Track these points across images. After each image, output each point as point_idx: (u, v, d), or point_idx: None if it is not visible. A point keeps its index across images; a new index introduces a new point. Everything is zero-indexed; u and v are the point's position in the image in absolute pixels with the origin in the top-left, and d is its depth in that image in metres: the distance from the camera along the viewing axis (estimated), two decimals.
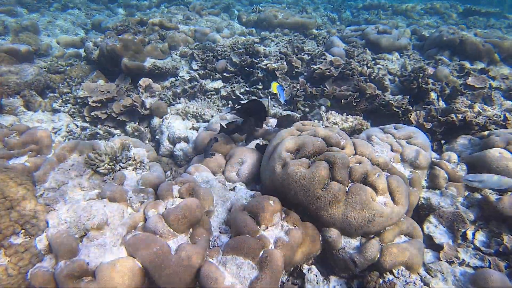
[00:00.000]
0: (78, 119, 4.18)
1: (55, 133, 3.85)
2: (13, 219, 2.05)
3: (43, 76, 4.26)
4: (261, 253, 2.06)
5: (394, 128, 3.05)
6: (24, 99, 3.98)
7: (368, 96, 3.97)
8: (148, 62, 4.82)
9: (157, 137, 3.81)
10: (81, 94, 4.18)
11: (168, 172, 3.40)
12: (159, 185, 2.64)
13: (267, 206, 2.24)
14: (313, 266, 2.35)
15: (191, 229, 2.19)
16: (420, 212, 2.70)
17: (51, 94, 4.28)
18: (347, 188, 2.32)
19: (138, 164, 2.84)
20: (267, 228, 2.25)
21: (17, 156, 3.01)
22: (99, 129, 3.99)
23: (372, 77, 4.35)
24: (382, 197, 2.34)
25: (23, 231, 2.05)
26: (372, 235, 2.34)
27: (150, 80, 4.14)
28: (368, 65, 4.55)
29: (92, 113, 4.04)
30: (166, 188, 2.37)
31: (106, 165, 2.65)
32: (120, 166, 2.73)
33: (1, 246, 1.95)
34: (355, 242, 2.34)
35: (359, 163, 2.47)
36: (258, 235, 2.18)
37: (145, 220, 2.28)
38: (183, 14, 6.83)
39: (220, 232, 2.40)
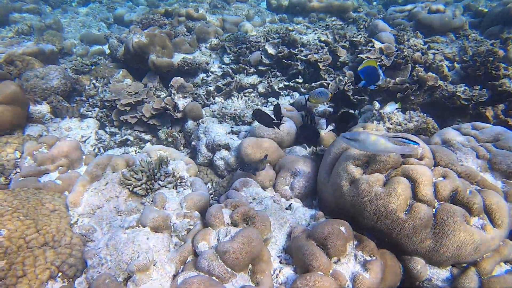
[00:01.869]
0: (107, 124, 3.90)
1: (84, 141, 3.58)
2: (49, 260, 1.77)
3: (69, 78, 3.99)
4: None
5: (473, 128, 2.57)
6: (51, 105, 3.73)
7: (427, 87, 3.46)
8: (177, 58, 4.47)
9: (193, 143, 3.48)
10: (108, 97, 3.88)
11: (209, 185, 3.07)
12: (205, 207, 2.31)
13: (339, 234, 1.86)
14: None
15: (250, 265, 1.85)
16: None
17: (78, 98, 4.02)
18: (434, 210, 1.90)
19: (179, 181, 2.51)
20: (339, 260, 1.88)
21: (48, 172, 2.76)
22: (129, 134, 3.70)
23: (427, 64, 3.82)
24: (478, 218, 1.91)
25: (60, 274, 1.76)
26: (466, 264, 1.93)
27: (182, 79, 3.79)
28: (423, 50, 4.01)
29: (121, 118, 3.74)
30: (216, 214, 2.03)
31: (143, 185, 2.33)
32: (159, 184, 2.41)
33: None
34: (444, 272, 1.93)
35: (444, 177, 2.03)
36: (331, 271, 1.81)
37: (195, 253, 1.95)
38: (209, 2, 6.39)
39: (280, 262, 2.05)
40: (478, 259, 1.89)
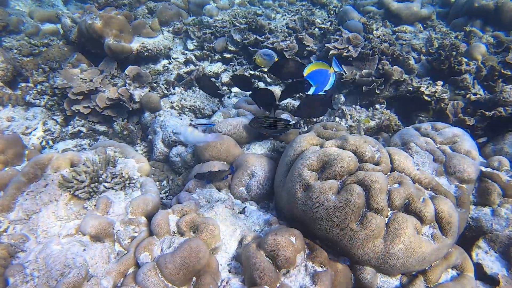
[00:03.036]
0: (58, 114, 3.62)
1: (29, 133, 3.31)
2: None
3: (11, 62, 3.64)
4: None
5: (433, 129, 2.53)
6: None
7: (393, 81, 3.41)
8: (136, 42, 4.18)
9: (149, 137, 3.29)
10: (59, 84, 3.59)
11: (164, 182, 2.92)
12: (153, 212, 2.17)
13: (289, 245, 1.78)
14: None
15: (194, 278, 1.74)
16: (466, 234, 2.26)
17: (23, 84, 3.69)
18: (386, 219, 1.85)
19: (127, 182, 2.34)
20: (288, 272, 1.81)
21: None
22: (82, 126, 3.45)
23: (394, 56, 3.75)
24: (429, 227, 1.88)
25: None
26: (415, 272, 1.91)
27: (139, 68, 3.54)
28: (391, 41, 3.94)
29: (73, 108, 3.48)
30: (161, 223, 1.90)
31: (86, 188, 2.16)
32: (104, 186, 2.24)
33: None
34: (394, 281, 1.91)
35: (399, 184, 1.98)
36: (278, 284, 1.74)
37: (137, 264, 1.83)
38: None
39: (229, 271, 1.96)
40: (426, 268, 1.88)
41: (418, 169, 2.10)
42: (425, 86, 3.22)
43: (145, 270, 1.64)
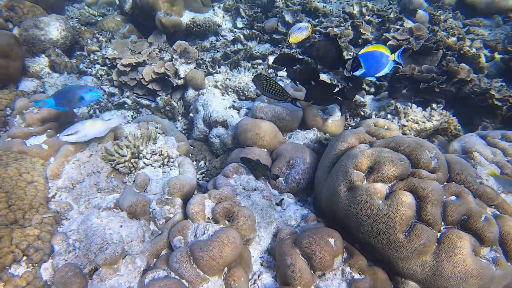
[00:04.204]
0: (106, 83, 3.70)
1: None
2: (14, 242, 1.66)
3: (70, 31, 3.74)
4: None
5: (503, 138, 2.27)
6: (49, 59, 3.53)
7: (456, 80, 3.10)
8: (187, 17, 4.13)
9: (190, 114, 3.27)
10: (110, 55, 3.65)
11: (202, 163, 2.90)
12: (189, 194, 2.16)
13: (327, 247, 1.69)
14: None
15: (226, 268, 1.71)
16: None
17: (79, 53, 3.79)
18: (439, 235, 1.69)
19: (166, 160, 2.34)
20: (324, 275, 1.72)
21: (35, 135, 2.62)
22: (127, 97, 3.50)
23: (462, 52, 3.40)
24: (490, 249, 1.69)
25: (25, 258, 1.66)
26: None
27: (187, 43, 3.49)
28: (459, 35, 3.57)
29: (121, 79, 3.53)
30: (197, 207, 1.87)
31: (127, 163, 2.17)
32: (144, 163, 2.25)
33: None
34: None
35: (457, 196, 1.79)
36: (312, 286, 1.66)
37: (171, 246, 1.82)
38: None
39: (261, 265, 1.92)
40: None
41: (481, 183, 1.89)
42: (497, 88, 2.89)
43: (178, 256, 1.62)
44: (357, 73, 2.25)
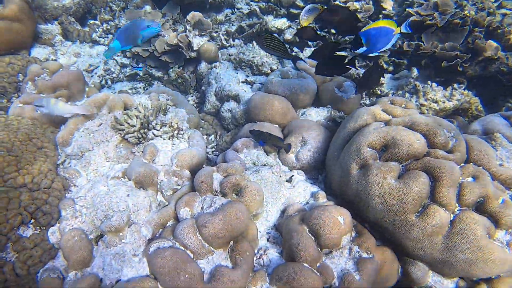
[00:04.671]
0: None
1: (92, 71, 3.38)
2: (23, 205, 1.67)
3: None
4: None
5: None
6: (62, 26, 3.48)
7: (482, 58, 2.93)
8: None
9: (202, 88, 3.21)
10: (123, 24, 3.58)
11: (212, 137, 2.86)
12: (198, 166, 2.13)
13: (335, 225, 1.64)
14: None
15: (232, 242, 1.69)
16: None
17: (92, 21, 3.74)
18: (452, 216, 1.62)
19: (176, 132, 2.31)
20: (331, 252, 1.69)
21: None
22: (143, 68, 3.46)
23: (491, 28, 3.19)
24: (505, 233, 1.63)
25: (33, 220, 1.68)
26: (477, 279, 1.70)
27: (201, 15, 3.40)
28: (490, 9, 3.35)
29: (133, 50, 3.48)
30: (205, 180, 1.84)
31: (136, 133, 2.15)
32: (153, 134, 2.22)
33: (7, 239, 1.60)
34: (448, 283, 1.73)
35: (474, 178, 1.72)
36: (319, 263, 1.63)
37: (177, 217, 1.81)
38: None
39: (268, 240, 1.90)
40: (493, 277, 1.66)
41: (500, 165, 1.80)
42: None
43: (184, 227, 1.61)
44: (359, 51, 2.13)
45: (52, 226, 1.70)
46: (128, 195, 1.79)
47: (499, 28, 3.11)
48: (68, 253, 1.53)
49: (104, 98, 2.34)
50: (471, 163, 1.79)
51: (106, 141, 2.15)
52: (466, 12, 3.15)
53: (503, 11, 3.49)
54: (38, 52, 3.19)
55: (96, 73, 3.38)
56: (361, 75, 3.05)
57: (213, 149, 2.78)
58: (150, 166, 2.01)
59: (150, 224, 1.75)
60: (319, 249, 1.65)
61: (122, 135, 2.16)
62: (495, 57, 2.81)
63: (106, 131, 2.18)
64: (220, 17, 4.00)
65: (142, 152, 2.13)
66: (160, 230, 1.77)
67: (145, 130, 2.19)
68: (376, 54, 2.15)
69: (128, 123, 2.17)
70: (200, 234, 1.60)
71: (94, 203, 1.72)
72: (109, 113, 2.31)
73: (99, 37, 3.65)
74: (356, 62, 2.31)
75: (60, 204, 1.74)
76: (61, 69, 2.78)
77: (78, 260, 1.52)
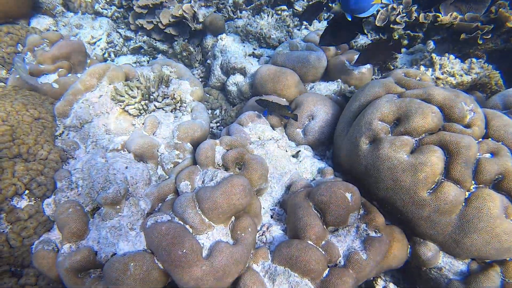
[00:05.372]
0: (123, 27, 3.54)
1: (94, 43, 3.28)
2: (17, 175, 1.62)
3: None
4: (325, 273, 1.47)
5: None
6: None
7: (505, 30, 2.74)
8: None
9: (208, 61, 3.09)
10: None
11: (217, 111, 2.77)
12: (200, 139, 2.05)
13: (343, 201, 1.56)
14: (391, 285, 1.74)
15: (233, 217, 1.62)
16: None
17: None
18: (467, 194, 1.52)
19: (178, 104, 2.22)
20: (337, 230, 1.61)
21: (47, 73, 2.55)
22: (144, 42, 3.35)
23: None
24: None
25: (27, 191, 1.62)
26: (491, 260, 1.61)
27: None
28: None
29: (137, 22, 3.36)
30: (206, 152, 1.76)
31: (137, 104, 2.07)
32: (155, 106, 2.14)
33: (0, 210, 1.55)
34: (460, 265, 1.63)
35: (493, 154, 1.60)
36: (324, 241, 1.56)
37: (177, 191, 1.75)
38: None
39: (271, 217, 1.82)
40: (508, 259, 1.56)
41: None
42: None
43: (183, 200, 1.54)
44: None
45: (48, 197, 1.65)
46: (127, 167, 1.72)
47: None
48: (62, 225, 1.48)
49: (105, 68, 2.24)
50: (490, 138, 1.67)
51: (106, 113, 2.07)
52: None
53: None
54: (38, 22, 3.09)
55: (98, 46, 3.28)
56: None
57: (218, 124, 2.70)
58: (151, 138, 1.94)
59: (149, 197, 1.69)
60: (324, 227, 1.57)
61: (122, 107, 2.08)
62: None
63: (106, 102, 2.10)
64: None
65: (143, 124, 2.05)
66: (160, 204, 1.71)
67: (147, 101, 2.10)
68: (361, 16, 2.00)
69: (129, 94, 2.09)
70: (200, 209, 1.53)
71: (91, 175, 1.66)
72: (110, 84, 2.22)
73: (102, 8, 3.53)
74: (363, 28, 2.15)
75: (56, 175, 1.69)
76: (61, 40, 2.70)
77: (72, 232, 1.47)
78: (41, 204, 1.62)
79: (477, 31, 2.71)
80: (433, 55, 2.47)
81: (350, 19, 1.99)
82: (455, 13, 2.88)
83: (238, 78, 2.75)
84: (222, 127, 2.65)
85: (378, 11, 3.19)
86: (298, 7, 3.48)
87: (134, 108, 2.07)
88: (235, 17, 3.40)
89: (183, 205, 1.53)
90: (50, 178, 1.68)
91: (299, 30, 3.33)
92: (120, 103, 2.08)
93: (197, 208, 1.53)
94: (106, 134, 2.02)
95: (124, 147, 1.92)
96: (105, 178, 1.62)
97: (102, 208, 1.55)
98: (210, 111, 2.82)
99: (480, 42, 2.74)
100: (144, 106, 2.09)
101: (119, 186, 1.57)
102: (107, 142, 1.99)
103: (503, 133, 1.66)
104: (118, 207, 1.56)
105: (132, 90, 2.10)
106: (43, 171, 1.67)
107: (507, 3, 2.73)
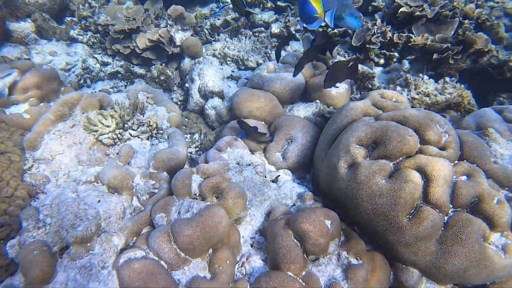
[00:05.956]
0: (100, 52, 3.50)
1: (69, 69, 3.22)
2: None
3: None
4: None
5: None
6: (35, 23, 3.31)
7: (473, 51, 2.83)
8: None
9: (186, 84, 3.07)
10: (103, 21, 3.42)
11: (196, 136, 2.73)
12: (177, 168, 2.00)
13: (322, 229, 1.53)
14: None
15: (210, 250, 1.56)
16: None
17: (69, 18, 3.56)
18: (446, 218, 1.51)
19: (154, 131, 2.17)
20: (317, 259, 1.57)
21: (17, 103, 2.47)
22: (121, 67, 3.31)
23: (480, 21, 3.11)
24: (500, 235, 1.52)
25: None
26: (471, 286, 1.59)
27: (182, 8, 3.24)
28: (478, 1, 3.25)
29: (113, 47, 3.32)
30: (182, 182, 1.71)
31: (111, 134, 2.01)
32: (130, 134, 2.08)
33: None
34: None
35: (469, 176, 1.61)
36: (304, 272, 1.51)
37: (152, 223, 1.68)
38: None
39: (251, 246, 1.77)
40: (488, 283, 1.55)
41: (495, 162, 1.69)
42: None
43: (158, 235, 1.48)
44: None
45: (12, 238, 1.56)
46: (99, 201, 1.65)
47: (488, 21, 3.01)
48: (26, 268, 1.39)
49: (77, 97, 2.19)
50: (465, 161, 1.68)
51: (79, 143, 2.01)
52: (455, 3, 3.05)
53: (490, 3, 3.39)
54: (9, 51, 3.02)
55: (74, 72, 3.22)
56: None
57: (197, 149, 2.65)
58: (125, 168, 1.88)
59: (123, 232, 1.61)
60: (305, 256, 1.53)
61: (96, 137, 2.02)
62: (486, 50, 2.71)
63: (79, 132, 2.04)
64: (205, 10, 3.86)
65: (117, 154, 1.99)
66: (135, 238, 1.64)
67: (121, 130, 2.05)
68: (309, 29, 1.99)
69: (103, 123, 2.03)
70: (175, 243, 1.47)
71: (60, 211, 1.58)
72: (83, 113, 2.16)
73: (77, 34, 3.49)
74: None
75: (22, 214, 1.60)
76: (32, 68, 2.63)
77: (36, 277, 1.37)
78: (4, 246, 1.52)
79: (448, 52, 2.79)
80: (408, 75, 2.51)
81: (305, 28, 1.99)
82: (426, 34, 2.97)
83: (216, 101, 2.73)
84: (201, 152, 2.61)
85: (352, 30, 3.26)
86: (276, 29, 3.52)
87: (108, 137, 2.01)
88: (212, 39, 3.41)
89: (157, 240, 1.47)
90: (15, 217, 1.59)
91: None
92: (94, 133, 2.02)
93: (172, 242, 1.47)
94: (79, 165, 1.96)
95: (98, 178, 1.85)
96: (75, 215, 1.55)
97: (71, 247, 1.47)
98: (189, 135, 2.78)
99: (452, 62, 2.82)
100: (119, 135, 2.04)
101: (90, 222, 1.50)
102: (80, 173, 1.92)
103: (477, 154, 1.68)
104: (88, 245, 1.48)
105: (106, 119, 2.05)
106: (7, 210, 1.59)
107: (472, 26, 2.83)
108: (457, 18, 2.99)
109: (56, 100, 2.65)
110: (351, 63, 2.13)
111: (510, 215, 1.50)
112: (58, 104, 2.15)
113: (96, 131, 2.02)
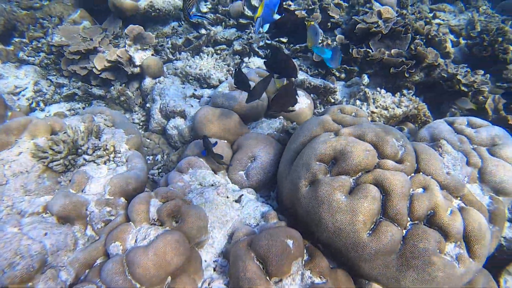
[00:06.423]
0: (54, 73, 3.35)
1: (18, 93, 3.06)
2: None
3: (4, 14, 3.35)
4: None
5: (469, 125, 2.13)
6: None
7: (425, 65, 2.97)
8: (145, 0, 3.81)
9: (147, 105, 3.00)
10: (56, 41, 3.30)
11: (159, 157, 2.64)
12: (135, 193, 1.91)
13: (284, 250, 1.49)
14: None
15: (170, 277, 1.48)
16: (496, 256, 1.90)
17: (17, 39, 3.40)
18: (404, 232, 1.52)
19: (112, 155, 2.08)
20: (280, 280, 1.53)
21: None
22: (78, 88, 3.18)
23: (430, 36, 3.29)
24: (454, 245, 1.55)
25: None
26: None
27: (141, 28, 3.20)
28: (427, 19, 3.45)
29: (69, 68, 3.20)
30: (139, 208, 1.63)
31: (62, 160, 1.90)
32: (84, 159, 1.98)
33: None
34: None
35: (424, 189, 1.64)
36: None
37: (107, 254, 1.58)
38: None
39: (214, 270, 1.70)
40: None
41: (447, 173, 1.74)
42: (463, 74, 2.78)
43: (111, 266, 1.38)
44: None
45: None
46: (46, 234, 1.53)
47: (436, 37, 3.19)
48: None
49: (25, 122, 2.05)
50: (421, 173, 1.72)
51: (25, 172, 1.87)
52: (407, 20, 3.21)
53: (437, 21, 3.61)
54: None
55: (24, 96, 3.06)
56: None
57: (160, 170, 2.57)
58: (77, 196, 1.77)
59: (73, 265, 1.50)
60: (267, 278, 1.48)
61: (45, 164, 1.90)
62: (436, 64, 2.86)
63: (26, 160, 1.91)
64: (166, 29, 3.83)
65: (70, 181, 1.87)
66: (87, 271, 1.53)
67: (74, 156, 1.94)
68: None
69: (53, 150, 1.91)
70: (130, 274, 1.38)
71: None
72: (32, 139, 2.03)
73: (27, 56, 3.33)
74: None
75: None
76: None
77: None
78: None
79: (403, 66, 2.91)
80: (366, 89, 2.59)
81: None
82: (383, 49, 3.09)
83: (178, 121, 2.67)
84: (164, 174, 2.53)
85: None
86: (238, 46, 3.54)
87: (60, 164, 1.90)
88: (174, 58, 3.38)
89: (110, 272, 1.37)
90: None
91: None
92: (43, 160, 1.90)
93: (127, 273, 1.38)
94: (26, 195, 1.82)
95: (46, 209, 1.72)
96: (15, 252, 1.41)
97: None
98: (151, 156, 2.70)
99: (407, 75, 2.94)
100: (72, 161, 1.93)
101: (32, 259, 1.38)
102: (26, 205, 1.78)
103: (431, 166, 1.72)
104: (30, 284, 1.36)
105: (57, 145, 1.93)
106: None
107: (422, 42, 2.99)
108: (409, 34, 3.15)
109: None
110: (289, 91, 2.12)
111: (462, 225, 1.53)
112: (1, 130, 2.00)
113: (46, 158, 1.89)
